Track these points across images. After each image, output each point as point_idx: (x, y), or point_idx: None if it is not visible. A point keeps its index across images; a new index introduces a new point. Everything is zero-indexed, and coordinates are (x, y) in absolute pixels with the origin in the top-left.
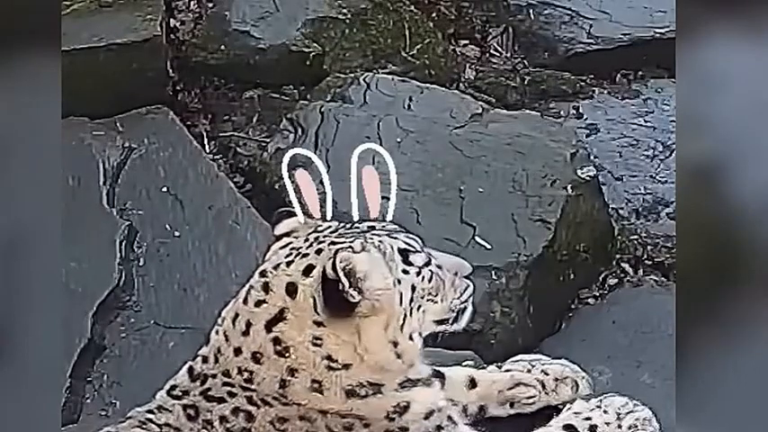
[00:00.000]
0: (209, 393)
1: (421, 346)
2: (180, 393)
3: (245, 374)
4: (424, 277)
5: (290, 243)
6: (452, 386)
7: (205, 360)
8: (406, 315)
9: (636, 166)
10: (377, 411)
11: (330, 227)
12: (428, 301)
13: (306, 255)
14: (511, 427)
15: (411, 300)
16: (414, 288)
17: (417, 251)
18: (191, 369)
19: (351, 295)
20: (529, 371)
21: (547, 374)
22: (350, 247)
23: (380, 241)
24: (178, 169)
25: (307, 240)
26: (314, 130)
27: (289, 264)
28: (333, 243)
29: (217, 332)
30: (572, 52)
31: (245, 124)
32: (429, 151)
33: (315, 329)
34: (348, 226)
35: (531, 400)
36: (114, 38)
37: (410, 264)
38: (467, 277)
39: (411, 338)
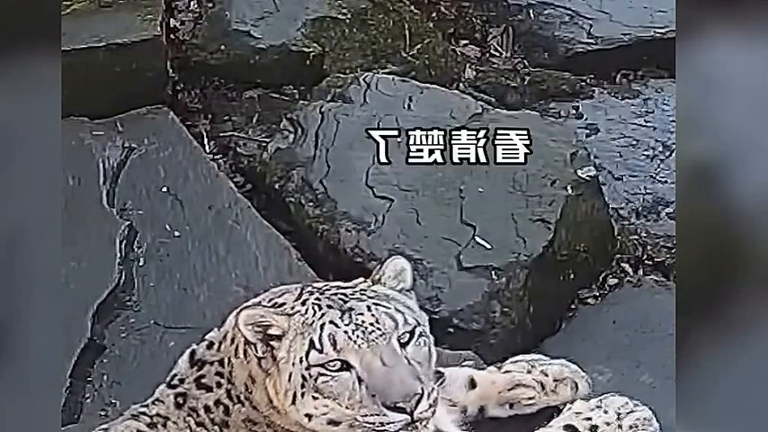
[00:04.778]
0: (202, 381)
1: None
2: (177, 382)
3: (229, 367)
4: (311, 375)
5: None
6: (452, 386)
7: (210, 346)
8: (295, 394)
9: (636, 166)
10: None
11: (339, 287)
12: (330, 399)
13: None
14: (511, 427)
15: (302, 386)
16: (304, 378)
17: (320, 351)
18: (192, 353)
19: (254, 347)
20: (528, 372)
21: (546, 375)
22: (260, 304)
23: (318, 318)
24: (178, 169)
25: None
26: (314, 130)
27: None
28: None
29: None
30: (572, 52)
31: (245, 124)
32: None
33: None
34: (343, 291)
35: (530, 401)
36: (114, 38)
37: (306, 359)
38: (402, 410)
39: (309, 418)
